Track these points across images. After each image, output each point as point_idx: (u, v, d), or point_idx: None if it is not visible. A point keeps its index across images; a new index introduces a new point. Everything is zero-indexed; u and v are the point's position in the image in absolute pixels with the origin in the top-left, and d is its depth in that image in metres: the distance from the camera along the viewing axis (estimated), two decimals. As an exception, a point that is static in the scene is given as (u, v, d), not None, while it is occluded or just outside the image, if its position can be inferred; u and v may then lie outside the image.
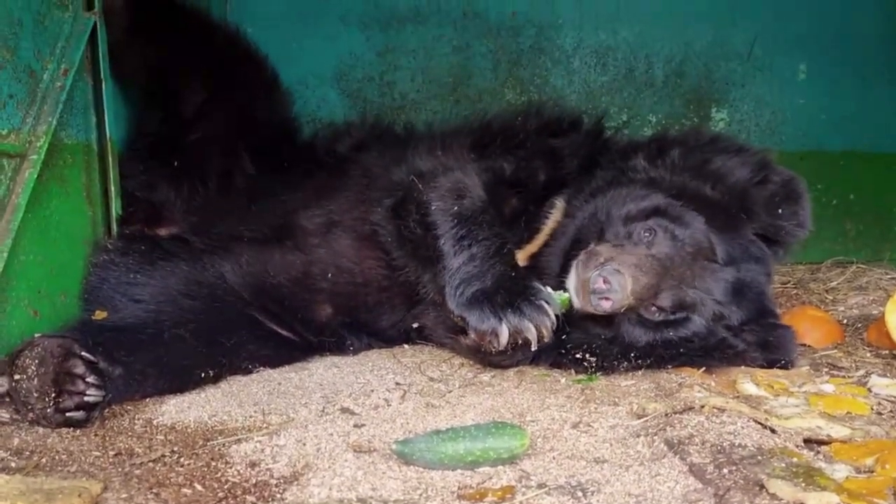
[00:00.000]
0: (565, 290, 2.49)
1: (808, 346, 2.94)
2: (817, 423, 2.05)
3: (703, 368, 2.53)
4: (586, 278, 2.38)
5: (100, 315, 2.59)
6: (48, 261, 2.48)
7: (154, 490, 1.70)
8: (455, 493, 1.69)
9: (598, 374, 2.52)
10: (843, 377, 2.57)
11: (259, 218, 3.00)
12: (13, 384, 2.04)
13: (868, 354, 2.87)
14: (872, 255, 4.71)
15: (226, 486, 1.73)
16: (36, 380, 2.02)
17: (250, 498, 1.68)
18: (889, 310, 2.83)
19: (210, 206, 3.10)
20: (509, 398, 2.30)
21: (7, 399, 2.12)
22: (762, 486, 1.64)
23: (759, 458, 1.79)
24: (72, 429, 2.03)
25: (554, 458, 1.87)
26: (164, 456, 1.88)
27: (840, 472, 1.77)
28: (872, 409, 2.24)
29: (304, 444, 1.94)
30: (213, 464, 1.84)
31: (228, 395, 2.35)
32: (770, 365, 2.56)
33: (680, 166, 2.72)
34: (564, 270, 2.54)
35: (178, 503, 1.65)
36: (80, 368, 2.06)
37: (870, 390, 2.41)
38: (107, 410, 2.15)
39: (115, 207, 2.87)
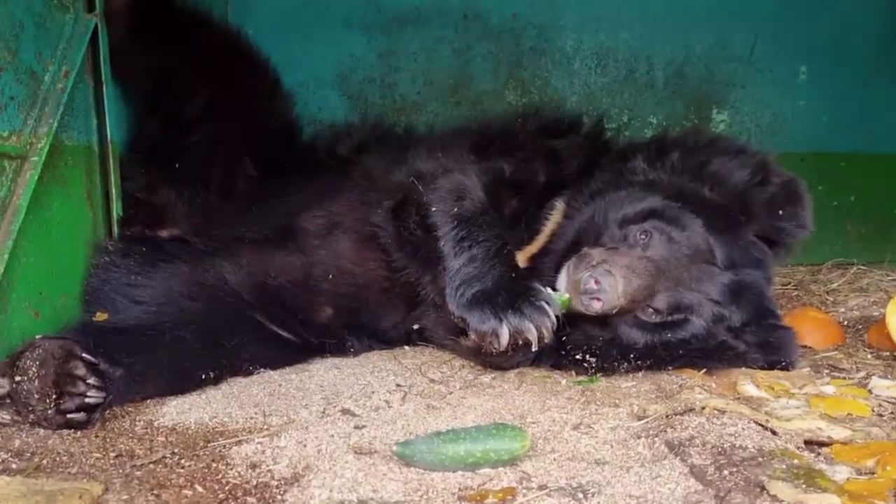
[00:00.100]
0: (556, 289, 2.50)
1: (809, 347, 2.94)
2: (818, 425, 2.05)
3: (704, 370, 2.53)
4: (577, 279, 2.38)
5: (101, 317, 2.59)
6: (49, 262, 2.48)
7: (155, 491, 1.70)
8: (456, 494, 1.69)
9: (598, 375, 2.53)
10: (844, 379, 2.57)
11: (260, 219, 3.00)
12: (14, 386, 2.04)
13: (869, 356, 2.87)
14: (873, 257, 4.70)
15: (226, 488, 1.73)
16: (37, 381, 2.02)
17: (251, 499, 1.68)
18: (890, 311, 2.83)
19: (211, 208, 3.10)
20: (510, 400, 2.30)
21: (8, 401, 2.12)
22: (763, 488, 1.64)
23: (760, 459, 1.79)
24: (73, 430, 2.04)
25: (555, 459, 1.87)
26: (164, 457, 1.89)
27: (841, 473, 1.77)
28: (873, 410, 2.24)
29: (305, 446, 1.94)
30: (214, 465, 1.85)
31: (229, 397, 2.35)
32: (771, 366, 2.56)
33: (679, 168, 2.72)
34: (560, 273, 2.54)
35: (179, 505, 1.65)
36: (80, 370, 2.07)
37: (870, 392, 2.41)
38: (108, 412, 2.16)
39: (116, 209, 2.87)
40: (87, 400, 2.05)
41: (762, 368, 2.56)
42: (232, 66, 3.31)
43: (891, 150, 4.82)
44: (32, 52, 2.41)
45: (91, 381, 2.07)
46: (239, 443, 1.98)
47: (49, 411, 2.02)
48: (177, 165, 3.12)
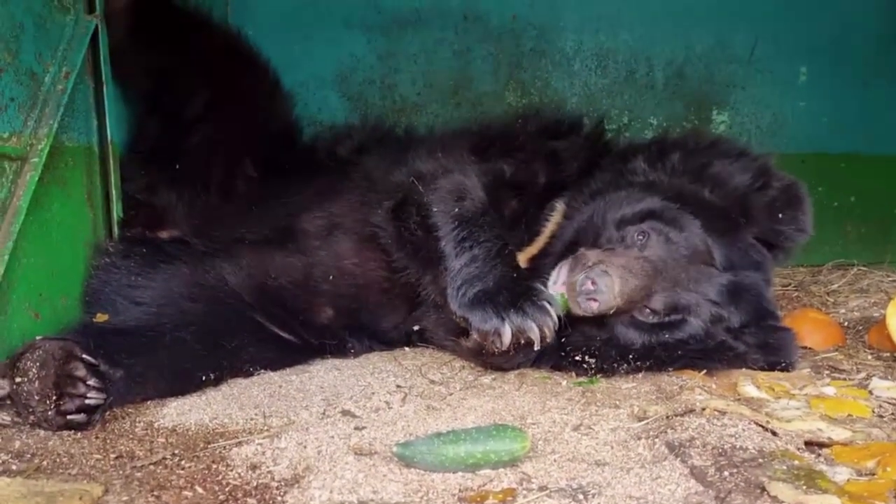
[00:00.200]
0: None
1: (809, 348, 2.94)
2: (818, 426, 2.05)
3: (704, 371, 2.53)
4: (574, 280, 2.38)
5: (101, 318, 2.59)
6: (49, 264, 2.48)
7: (155, 493, 1.70)
8: (456, 495, 1.69)
9: (598, 376, 2.53)
10: (845, 380, 2.57)
11: (260, 220, 3.00)
12: (14, 387, 2.04)
13: (869, 357, 2.87)
14: (873, 258, 4.70)
15: (227, 489, 1.73)
16: (37, 382, 2.02)
17: (251, 501, 1.68)
18: (890, 312, 2.83)
19: (211, 209, 3.10)
20: (510, 401, 2.30)
21: (8, 402, 2.12)
22: (763, 489, 1.64)
23: (761, 460, 1.79)
24: (73, 431, 2.04)
25: (555, 460, 1.87)
26: (164, 459, 1.89)
27: (841, 474, 1.77)
28: (874, 411, 2.24)
29: (305, 447, 1.94)
30: (214, 466, 1.85)
31: (229, 398, 2.35)
32: (771, 367, 2.56)
33: (679, 170, 2.72)
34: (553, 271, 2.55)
35: (179, 506, 1.65)
36: (81, 371, 2.07)
37: (871, 393, 2.41)
38: (108, 413, 2.15)
39: (117, 210, 2.87)
40: (87, 401, 2.05)
41: (762, 369, 2.56)
42: (232, 67, 3.32)
43: (891, 151, 4.82)
44: (33, 53, 2.41)
45: (91, 382, 2.07)
46: (239, 444, 1.98)
47: (49, 412, 2.02)
48: (177, 166, 3.12)
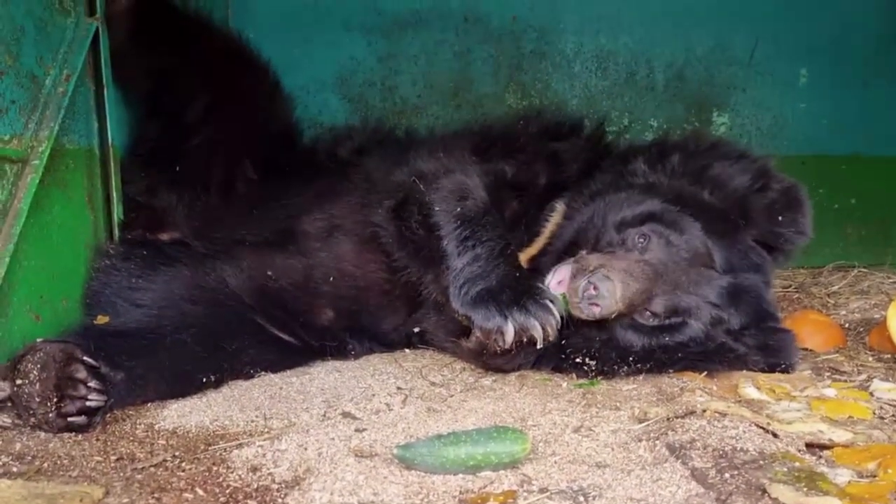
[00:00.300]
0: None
1: (810, 350, 2.94)
2: (819, 428, 2.05)
3: (705, 373, 2.53)
4: (576, 285, 2.38)
5: (101, 320, 2.60)
6: (50, 266, 2.48)
7: (155, 495, 1.70)
8: (457, 497, 1.69)
9: (598, 378, 2.52)
10: (845, 381, 2.57)
11: (261, 222, 3.00)
12: (15, 389, 2.04)
13: (870, 358, 2.87)
14: (874, 260, 4.70)
15: (227, 491, 1.73)
16: (38, 385, 2.02)
17: (252, 503, 1.68)
18: (891, 314, 2.83)
19: (212, 211, 3.10)
20: (511, 402, 2.30)
21: (9, 404, 2.12)
22: (764, 491, 1.64)
23: (761, 462, 1.78)
24: (73, 433, 2.04)
25: (555, 462, 1.87)
26: (165, 461, 1.89)
27: (842, 476, 1.77)
28: (874, 413, 2.23)
29: (306, 449, 1.94)
30: (215, 469, 1.85)
31: (230, 400, 2.35)
32: (771, 369, 2.56)
33: (679, 171, 2.72)
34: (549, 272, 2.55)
35: (180, 508, 1.65)
36: (81, 373, 2.07)
37: (872, 394, 2.41)
38: (108, 415, 2.16)
39: (117, 212, 2.87)
40: (88, 403, 2.06)
41: (762, 371, 2.56)
42: (232, 70, 3.32)
43: (891, 153, 4.82)
44: (33, 55, 2.41)
45: (92, 384, 2.07)
46: (240, 446, 1.98)
47: (50, 414, 2.02)
48: (177, 168, 3.12)
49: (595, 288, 2.34)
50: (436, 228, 2.56)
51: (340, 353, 2.85)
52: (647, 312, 2.49)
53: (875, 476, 1.78)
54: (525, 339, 2.37)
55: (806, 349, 2.90)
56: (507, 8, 4.46)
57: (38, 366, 2.03)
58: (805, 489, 1.64)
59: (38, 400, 2.02)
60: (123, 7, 3.01)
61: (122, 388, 2.21)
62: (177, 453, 1.93)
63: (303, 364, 2.74)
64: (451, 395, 2.40)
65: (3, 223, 2.22)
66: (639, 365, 2.51)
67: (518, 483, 1.75)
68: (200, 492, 1.72)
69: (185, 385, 2.40)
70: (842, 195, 4.80)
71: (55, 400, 2.02)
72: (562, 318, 2.42)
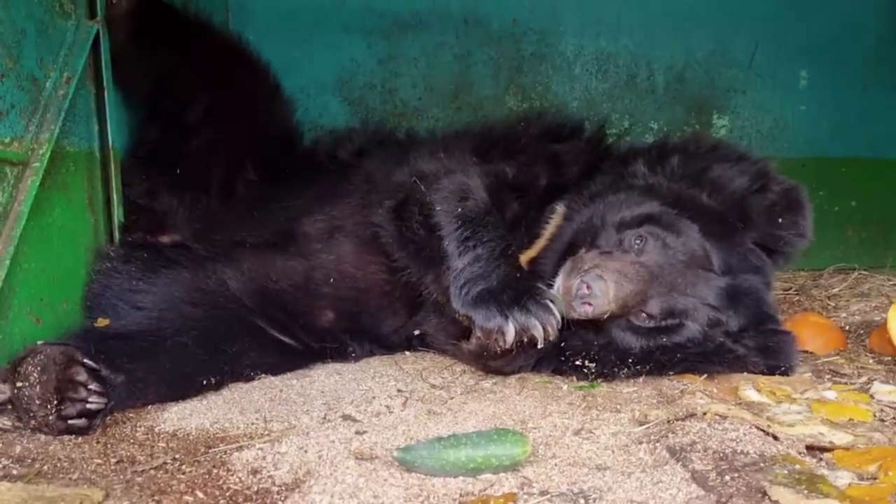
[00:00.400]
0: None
1: (811, 352, 2.94)
2: (820, 430, 2.05)
3: (705, 375, 2.53)
4: (569, 284, 2.39)
5: (102, 322, 2.59)
6: (50, 268, 2.48)
7: (156, 498, 1.70)
8: (457, 500, 1.69)
9: (598, 380, 2.53)
10: (846, 384, 2.57)
11: (261, 224, 3.00)
12: (15, 391, 2.04)
13: (870, 361, 2.87)
14: (874, 262, 4.71)
15: (227, 494, 1.73)
16: (38, 387, 2.02)
17: (252, 505, 1.68)
18: (891, 316, 2.83)
19: (212, 214, 3.10)
20: (511, 405, 2.30)
21: (9, 406, 2.12)
22: (765, 494, 1.64)
23: (762, 465, 1.78)
24: (74, 436, 2.04)
25: (556, 465, 1.87)
26: (165, 463, 1.88)
27: (843, 479, 1.77)
28: (875, 415, 2.23)
29: (306, 452, 1.94)
30: (215, 471, 1.84)
31: (230, 403, 2.35)
32: (771, 371, 2.56)
33: (679, 173, 2.72)
34: (557, 275, 2.55)
35: (180, 511, 1.65)
36: (82, 376, 2.07)
37: (872, 397, 2.41)
38: (109, 418, 2.16)
39: (118, 215, 2.87)
40: (88, 406, 2.05)
41: (762, 373, 2.56)
42: (232, 72, 3.32)
43: (891, 155, 4.83)
44: (34, 58, 2.41)
45: (92, 386, 2.07)
46: (240, 448, 1.97)
47: (50, 417, 2.01)
48: (178, 171, 3.13)
49: (588, 287, 2.35)
50: (437, 229, 2.56)
51: (341, 355, 2.85)
52: (643, 314, 2.49)
53: (875, 478, 1.78)
54: (526, 340, 2.37)
55: (806, 352, 2.90)
56: (507, 10, 4.47)
57: (39, 368, 2.03)
58: (805, 492, 1.64)
59: (38, 402, 2.02)
60: (124, 10, 3.02)
61: (122, 391, 2.21)
62: (177, 456, 1.93)
63: (303, 366, 2.74)
64: (452, 398, 2.40)
65: (4, 226, 2.22)
66: (638, 367, 2.52)
67: (518, 485, 1.75)
68: (200, 494, 1.72)
69: (185, 388, 2.39)
70: (842, 197, 4.81)
71: (55, 402, 2.02)
72: (562, 318, 2.42)
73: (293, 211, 3.02)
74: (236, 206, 3.13)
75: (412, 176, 2.70)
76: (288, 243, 2.92)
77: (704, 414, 2.10)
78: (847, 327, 3.36)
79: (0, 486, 1.67)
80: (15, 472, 1.80)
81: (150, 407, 2.30)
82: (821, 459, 1.91)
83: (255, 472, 1.84)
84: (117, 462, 1.90)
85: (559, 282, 2.50)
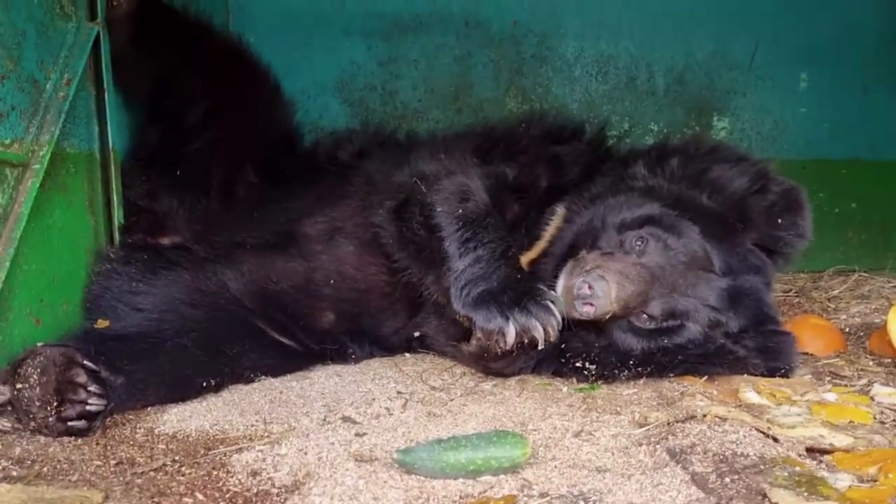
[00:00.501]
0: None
1: (811, 354, 2.94)
2: (820, 432, 2.05)
3: (706, 377, 2.53)
4: (571, 284, 2.39)
5: (102, 324, 2.59)
6: (50, 270, 2.48)
7: (155, 499, 1.70)
8: (457, 502, 1.69)
9: (599, 382, 2.53)
10: (846, 386, 2.57)
11: (261, 226, 3.01)
12: (15, 393, 2.04)
13: (870, 363, 2.87)
14: (874, 264, 4.71)
15: (227, 496, 1.73)
16: (38, 389, 2.02)
17: (252, 507, 1.68)
18: (891, 318, 2.83)
19: (212, 215, 3.10)
20: (511, 407, 2.30)
21: (9, 408, 2.12)
22: (765, 496, 1.64)
23: (762, 467, 1.78)
24: (73, 438, 2.04)
25: (556, 467, 1.86)
26: (165, 465, 1.88)
27: (843, 481, 1.77)
28: (875, 418, 2.23)
29: (306, 453, 1.94)
30: (215, 473, 1.84)
31: (230, 404, 2.35)
32: (771, 372, 2.55)
33: (679, 175, 2.72)
34: (558, 276, 2.55)
35: (180, 512, 1.65)
36: (82, 377, 2.07)
37: (872, 399, 2.41)
38: (108, 419, 2.16)
39: (118, 216, 2.87)
40: (88, 407, 2.05)
41: (763, 374, 2.55)
42: (233, 74, 3.32)
43: (891, 157, 4.83)
44: (34, 60, 2.42)
45: (92, 388, 2.07)
46: (240, 450, 1.97)
47: (50, 419, 2.02)
48: (178, 172, 3.13)
49: (590, 287, 2.35)
50: (437, 229, 2.56)
51: (341, 356, 2.85)
52: (644, 315, 2.50)
53: (875, 481, 1.78)
54: (526, 341, 2.37)
55: (806, 354, 2.90)
56: (507, 12, 4.46)
57: (39, 370, 2.03)
58: (805, 494, 1.64)
59: (38, 404, 2.02)
60: (124, 11, 3.02)
61: (122, 393, 2.21)
62: (177, 458, 1.93)
63: (303, 368, 2.74)
64: (452, 400, 2.40)
65: (4, 227, 2.22)
66: (639, 368, 2.52)
67: (518, 488, 1.75)
68: (200, 496, 1.72)
69: (185, 389, 2.39)
70: (842, 199, 4.81)
71: (55, 404, 2.02)
72: (563, 319, 2.42)
73: (293, 212, 3.02)
74: (236, 208, 3.13)
75: (413, 177, 2.70)
76: (288, 244, 2.92)
77: (704, 416, 2.10)
78: (847, 329, 3.36)
79: (0, 487, 1.67)
80: (14, 473, 1.80)
81: (149, 409, 2.30)
82: (821, 462, 1.91)
83: (254, 473, 1.84)
84: (117, 464, 1.90)
85: (561, 282, 2.50)
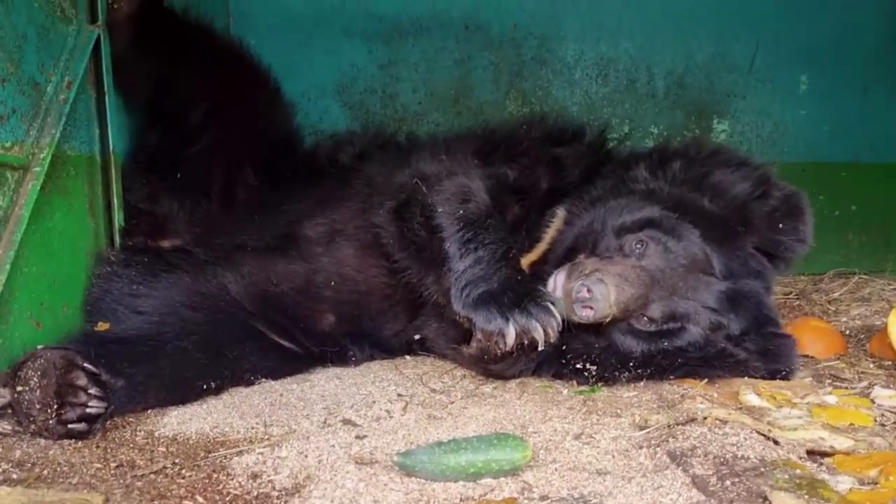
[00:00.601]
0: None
1: (811, 357, 2.94)
2: (820, 435, 2.04)
3: (706, 379, 2.52)
4: (570, 287, 2.39)
5: (102, 327, 2.59)
6: (51, 272, 2.48)
7: (155, 502, 1.70)
8: (457, 505, 1.69)
9: (599, 385, 2.53)
10: (846, 388, 2.57)
11: (262, 228, 3.01)
12: (15, 396, 2.04)
13: (871, 365, 2.87)
14: (875, 266, 4.71)
15: (227, 499, 1.73)
16: (38, 391, 2.02)
17: (252, 510, 1.68)
18: (892, 321, 2.83)
19: (213, 218, 3.11)
20: (511, 410, 2.30)
21: (9, 411, 2.12)
22: (765, 498, 1.64)
23: (762, 469, 1.78)
24: (74, 440, 2.03)
25: (556, 469, 1.86)
26: (165, 468, 1.88)
27: (843, 483, 1.77)
28: (875, 420, 2.23)
29: (306, 456, 1.93)
30: (215, 476, 1.84)
31: (230, 407, 2.35)
32: (771, 375, 2.56)
33: (680, 178, 2.73)
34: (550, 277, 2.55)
35: (180, 515, 1.65)
36: (82, 380, 2.07)
37: (873, 401, 2.40)
38: (109, 422, 2.15)
39: (118, 219, 2.87)
40: (88, 410, 2.05)
41: (763, 377, 2.55)
42: (233, 76, 3.32)
43: (892, 160, 4.83)
44: (35, 63, 2.42)
45: (92, 391, 2.07)
46: (240, 453, 1.97)
47: (50, 421, 2.01)
48: (178, 175, 3.13)
49: (589, 290, 2.36)
50: (438, 230, 2.56)
51: (341, 359, 2.85)
52: (644, 318, 2.50)
53: (876, 483, 1.78)
54: (526, 342, 2.37)
55: (807, 356, 2.90)
56: (507, 15, 4.47)
57: (39, 372, 2.03)
58: (806, 496, 1.63)
59: (38, 407, 2.01)
60: (125, 14, 3.02)
61: (122, 395, 2.21)
62: (177, 460, 1.93)
63: (303, 371, 2.74)
64: (452, 402, 2.40)
65: (4, 230, 2.22)
66: (639, 371, 2.52)
67: (519, 490, 1.75)
68: (200, 499, 1.72)
69: (185, 392, 2.39)
70: (842, 202, 4.81)
71: (55, 407, 2.02)
72: (563, 320, 2.42)
73: (294, 214, 3.02)
74: (237, 210, 3.14)
75: (414, 177, 2.71)
76: (289, 247, 2.92)
77: (705, 418, 2.10)
78: (847, 332, 3.36)
79: (0, 490, 1.67)
80: (15, 476, 1.80)
81: (150, 411, 2.30)
82: (821, 464, 1.91)
83: (255, 476, 1.84)
84: (117, 466, 1.90)
85: (551, 284, 2.50)
